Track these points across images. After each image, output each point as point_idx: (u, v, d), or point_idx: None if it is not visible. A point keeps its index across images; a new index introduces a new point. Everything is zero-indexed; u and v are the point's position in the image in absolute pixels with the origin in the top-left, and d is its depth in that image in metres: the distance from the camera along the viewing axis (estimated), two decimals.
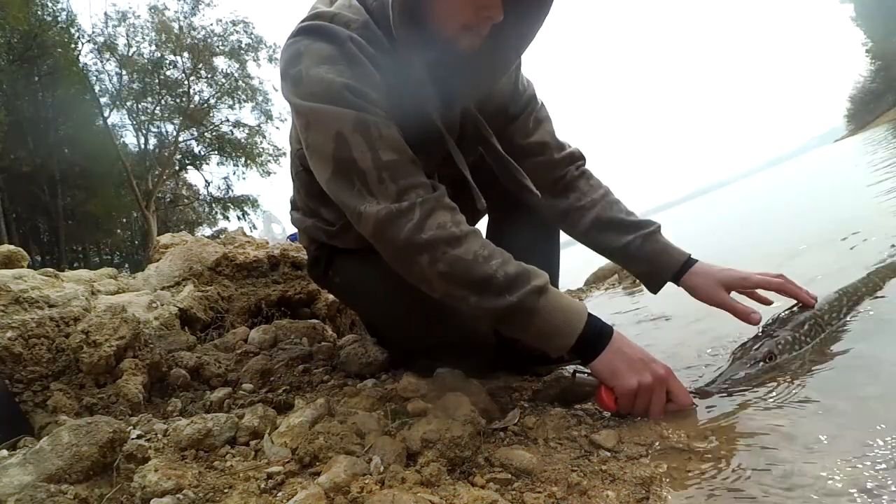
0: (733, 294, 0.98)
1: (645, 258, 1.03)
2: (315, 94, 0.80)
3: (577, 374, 0.95)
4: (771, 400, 0.76)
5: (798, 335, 0.92)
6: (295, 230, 1.24)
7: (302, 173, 1.05)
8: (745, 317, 0.94)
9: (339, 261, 1.10)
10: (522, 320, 0.78)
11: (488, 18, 0.81)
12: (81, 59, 17.24)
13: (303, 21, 0.86)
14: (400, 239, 0.77)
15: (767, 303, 1.00)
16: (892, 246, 1.20)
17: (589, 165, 1.14)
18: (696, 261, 1.02)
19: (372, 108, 0.80)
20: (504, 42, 0.89)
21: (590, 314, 0.81)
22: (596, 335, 0.79)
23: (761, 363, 0.87)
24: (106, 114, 17.76)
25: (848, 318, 0.98)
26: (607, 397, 0.80)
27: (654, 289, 1.08)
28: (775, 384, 0.80)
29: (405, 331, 1.07)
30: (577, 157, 1.11)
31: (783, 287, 0.96)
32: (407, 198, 0.78)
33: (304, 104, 0.81)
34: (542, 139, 1.09)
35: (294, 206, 1.20)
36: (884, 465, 0.53)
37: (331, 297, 1.74)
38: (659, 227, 1.05)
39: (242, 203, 21.07)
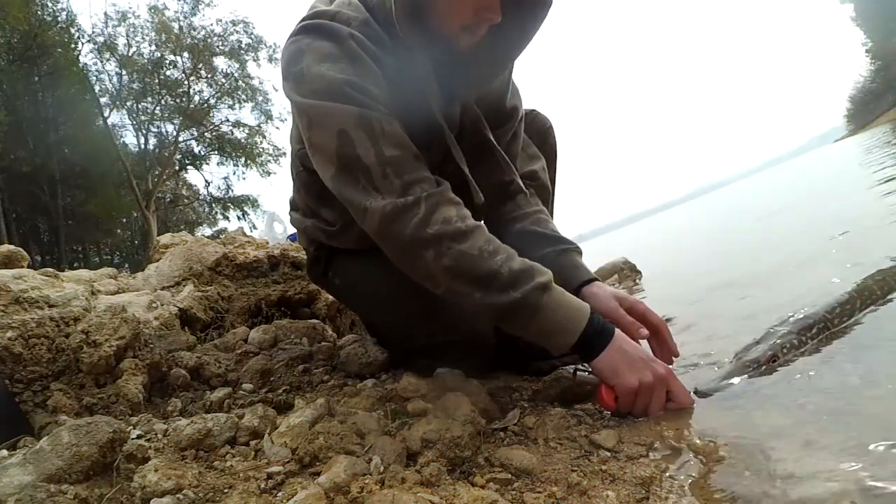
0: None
1: (556, 269, 1.02)
2: (317, 92, 0.80)
3: (578, 373, 0.95)
4: (771, 400, 0.76)
5: (804, 339, 0.91)
6: (295, 230, 1.24)
7: (303, 173, 1.05)
8: (631, 328, 0.90)
9: (339, 261, 1.10)
10: (525, 317, 0.78)
11: (487, 20, 0.82)
12: (81, 59, 17.25)
13: (303, 20, 0.86)
14: (406, 234, 0.77)
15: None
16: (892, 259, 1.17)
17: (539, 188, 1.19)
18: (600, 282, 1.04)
19: (374, 104, 0.80)
20: (502, 41, 0.90)
21: (592, 312, 0.81)
22: (598, 333, 0.79)
23: (764, 367, 0.86)
24: (106, 114, 17.77)
25: (855, 319, 0.97)
26: (607, 396, 0.80)
27: None
28: (776, 385, 0.80)
29: (406, 331, 1.07)
30: (528, 176, 1.15)
31: (656, 331, 0.93)
32: (412, 192, 0.78)
33: (306, 102, 0.82)
34: (513, 152, 1.12)
35: (294, 206, 1.20)
36: (884, 466, 0.53)
37: (331, 297, 1.74)
38: (578, 248, 1.06)
39: (242, 203, 21.09)
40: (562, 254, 1.04)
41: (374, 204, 0.78)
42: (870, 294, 1.03)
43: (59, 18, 16.68)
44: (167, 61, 19.08)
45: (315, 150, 0.85)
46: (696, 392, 0.83)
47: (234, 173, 21.11)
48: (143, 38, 18.67)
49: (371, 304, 1.14)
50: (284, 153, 19.67)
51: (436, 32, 0.84)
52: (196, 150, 20.83)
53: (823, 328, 0.94)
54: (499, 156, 1.06)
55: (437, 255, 0.77)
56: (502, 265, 0.77)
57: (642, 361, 0.78)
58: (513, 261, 0.78)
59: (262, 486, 0.62)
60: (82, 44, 17.44)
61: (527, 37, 0.91)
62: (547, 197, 1.20)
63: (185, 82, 19.44)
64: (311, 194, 1.05)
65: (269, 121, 20.57)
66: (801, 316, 0.96)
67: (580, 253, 1.07)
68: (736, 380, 0.85)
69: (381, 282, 0.97)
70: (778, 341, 0.90)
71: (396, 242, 0.80)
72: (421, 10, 0.83)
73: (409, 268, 0.82)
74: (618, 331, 0.81)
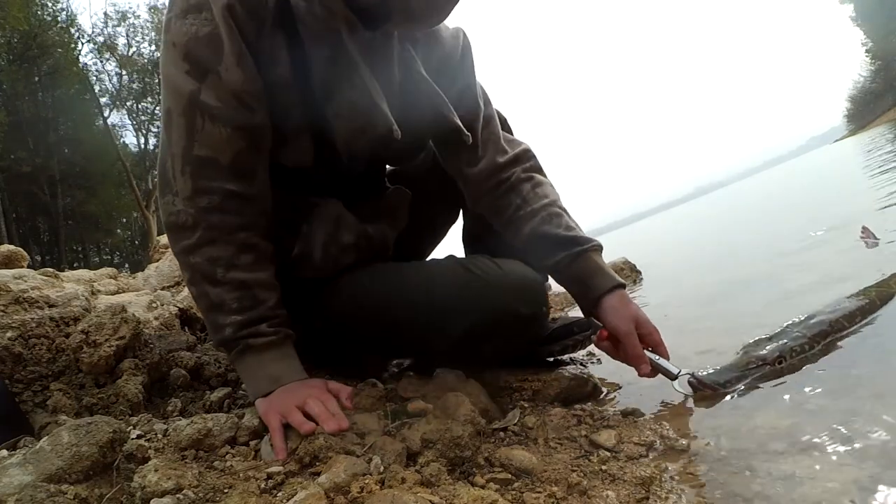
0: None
1: (574, 277, 0.95)
2: (168, 54, 0.75)
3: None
4: (771, 400, 0.76)
5: (815, 345, 0.89)
6: None
7: None
8: (636, 360, 0.87)
9: (325, 299, 0.93)
10: (233, 359, 0.81)
11: None
12: (81, 59, 17.28)
13: None
14: (175, 248, 0.81)
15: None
16: None
17: (541, 161, 1.05)
18: (624, 288, 0.94)
19: (222, 76, 0.73)
20: None
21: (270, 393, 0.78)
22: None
23: (768, 367, 0.85)
24: (106, 114, 17.79)
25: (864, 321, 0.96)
26: (601, 337, 0.92)
27: (586, 311, 0.98)
28: (776, 385, 0.80)
29: (422, 342, 0.92)
30: (524, 159, 1.02)
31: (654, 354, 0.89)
32: (198, 201, 0.77)
33: (161, 62, 0.77)
34: (493, 133, 1.00)
35: None
36: (883, 466, 0.53)
37: None
38: (597, 245, 0.96)
39: None
40: (578, 257, 0.94)
41: (164, 206, 0.80)
42: (891, 298, 1.00)
43: (59, 18, 16.71)
44: None
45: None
46: (693, 380, 0.84)
47: None
48: (143, 38, 18.73)
49: (375, 324, 0.92)
50: None
51: None
52: None
53: (838, 338, 0.91)
54: (477, 139, 0.97)
55: (189, 281, 0.81)
56: (226, 327, 0.78)
57: (283, 395, 0.77)
58: (239, 328, 0.78)
59: (262, 486, 0.62)
60: (82, 44, 17.49)
61: None
62: (543, 174, 1.06)
63: None
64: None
65: None
66: (819, 320, 0.94)
67: (600, 249, 0.96)
68: (737, 374, 0.84)
69: (386, 288, 0.90)
70: (788, 343, 0.88)
71: (172, 247, 0.83)
72: None
73: None
74: (294, 383, 0.78)
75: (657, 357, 0.89)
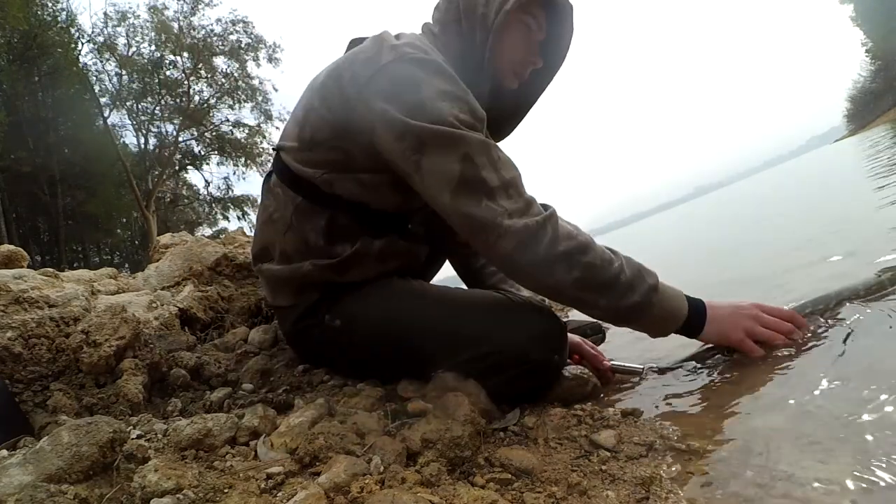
0: None
1: None
2: (442, 121, 0.84)
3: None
4: (771, 401, 0.76)
5: None
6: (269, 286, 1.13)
7: (307, 206, 0.99)
8: (595, 359, 1.08)
9: (344, 300, 1.00)
10: (642, 315, 0.87)
11: (532, 63, 1.05)
12: (81, 59, 17.26)
13: (395, 48, 0.90)
14: (540, 252, 0.83)
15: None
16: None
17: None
18: None
19: (488, 134, 0.90)
20: (535, 81, 1.12)
21: (685, 297, 0.91)
22: (696, 314, 0.91)
23: (725, 351, 0.95)
24: (106, 114, 17.79)
25: (848, 317, 0.98)
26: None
27: None
28: (775, 386, 0.80)
29: (430, 353, 0.94)
30: None
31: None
32: (534, 210, 0.86)
33: (426, 127, 0.84)
34: None
35: (263, 256, 1.08)
36: (883, 466, 0.53)
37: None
38: None
39: (242, 203, 21.09)
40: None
41: (507, 223, 0.82)
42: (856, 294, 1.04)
43: (59, 18, 16.70)
44: (167, 61, 19.11)
45: (429, 173, 0.86)
46: (656, 369, 0.99)
47: (235, 173, 21.15)
48: (142, 38, 18.71)
49: (386, 335, 0.98)
50: None
51: (491, 72, 1.00)
52: (196, 150, 20.89)
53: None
54: None
55: (569, 269, 0.83)
56: (621, 272, 0.85)
57: (735, 316, 0.91)
58: (627, 267, 0.86)
59: (262, 486, 0.62)
60: (82, 44, 17.47)
61: (551, 76, 1.14)
62: None
63: (185, 82, 19.46)
64: (316, 230, 0.98)
65: (269, 121, 20.60)
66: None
67: None
68: (693, 363, 0.97)
69: (403, 303, 0.97)
70: None
71: (531, 260, 0.83)
72: (485, 56, 0.97)
73: (537, 283, 0.88)
74: (706, 300, 0.92)
75: (620, 362, 1.06)
